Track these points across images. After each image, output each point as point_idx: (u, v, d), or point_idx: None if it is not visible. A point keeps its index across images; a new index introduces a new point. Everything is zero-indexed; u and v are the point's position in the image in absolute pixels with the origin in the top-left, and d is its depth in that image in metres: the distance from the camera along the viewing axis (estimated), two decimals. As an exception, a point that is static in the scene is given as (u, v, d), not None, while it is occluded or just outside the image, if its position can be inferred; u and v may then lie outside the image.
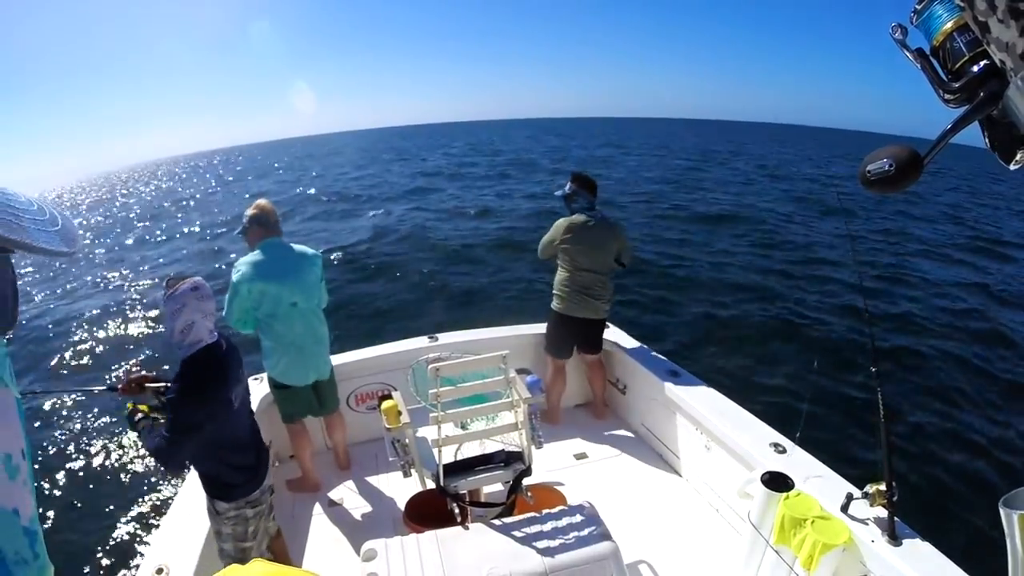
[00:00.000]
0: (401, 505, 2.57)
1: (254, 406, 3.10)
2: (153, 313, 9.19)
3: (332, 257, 10.86)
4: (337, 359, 3.46)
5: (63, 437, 5.52)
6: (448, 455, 2.11)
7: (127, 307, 9.89)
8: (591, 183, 3.48)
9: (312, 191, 23.30)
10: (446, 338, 3.68)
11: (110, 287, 11.68)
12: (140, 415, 2.03)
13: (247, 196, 21.71)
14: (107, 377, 6.61)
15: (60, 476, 4.92)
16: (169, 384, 2.03)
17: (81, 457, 5.17)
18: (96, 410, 5.89)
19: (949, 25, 0.66)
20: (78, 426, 5.73)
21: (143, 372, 2.21)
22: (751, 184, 21.82)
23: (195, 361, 1.93)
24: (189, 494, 2.45)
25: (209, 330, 1.98)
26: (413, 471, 2.19)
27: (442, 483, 2.05)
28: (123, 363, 7.22)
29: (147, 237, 17.49)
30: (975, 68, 0.65)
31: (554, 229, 3.50)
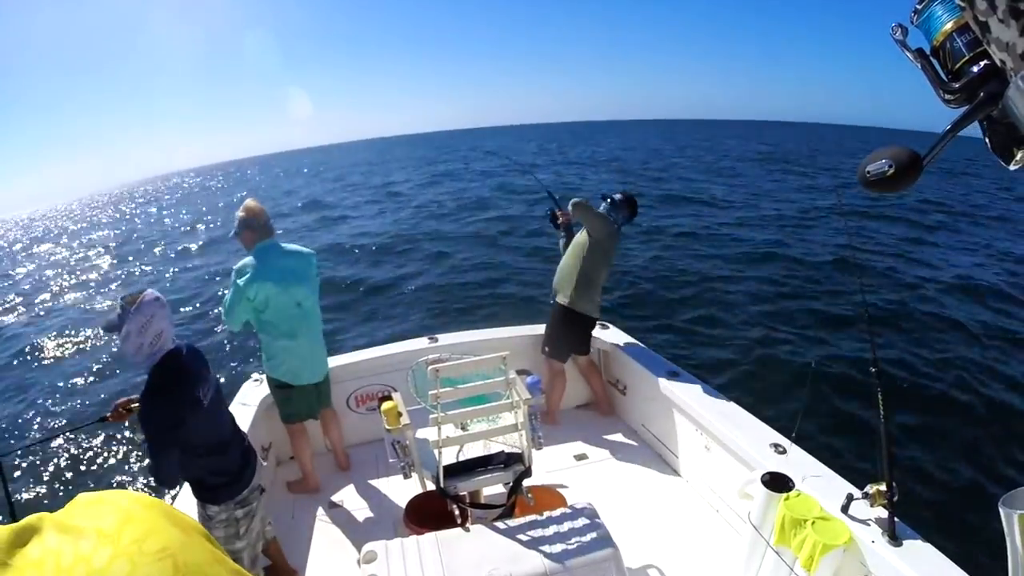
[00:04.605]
0: (401, 506, 2.56)
1: (254, 407, 3.10)
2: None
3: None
4: (337, 360, 3.45)
5: (60, 476, 5.48)
6: (448, 456, 2.11)
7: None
8: (635, 208, 3.65)
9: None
10: (446, 339, 3.68)
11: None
12: None
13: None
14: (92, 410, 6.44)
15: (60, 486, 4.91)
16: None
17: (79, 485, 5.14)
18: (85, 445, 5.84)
19: (949, 25, 0.66)
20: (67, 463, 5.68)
21: (128, 397, 2.25)
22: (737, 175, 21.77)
23: (161, 367, 1.93)
24: (189, 496, 2.45)
25: (172, 337, 1.99)
26: (413, 472, 2.18)
27: (442, 484, 2.05)
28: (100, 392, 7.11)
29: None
30: (975, 68, 0.65)
31: (604, 217, 3.52)
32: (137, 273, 14.29)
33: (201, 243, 17.01)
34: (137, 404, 2.15)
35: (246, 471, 2.17)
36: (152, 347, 1.91)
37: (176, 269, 13.84)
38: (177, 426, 1.91)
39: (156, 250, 17.32)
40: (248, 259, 2.83)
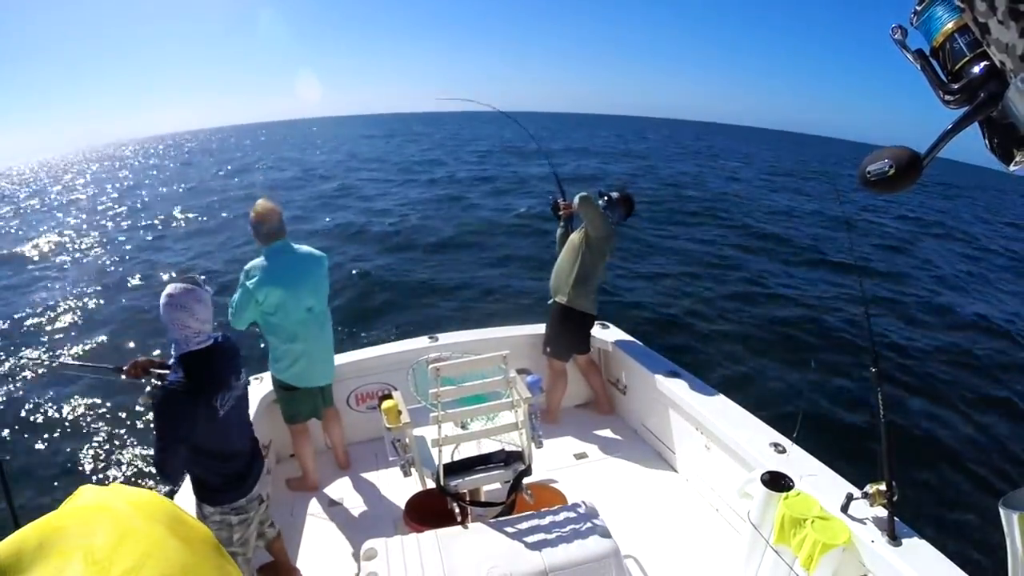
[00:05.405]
0: (401, 504, 2.57)
1: (254, 406, 3.09)
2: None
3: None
4: (338, 358, 3.46)
5: (64, 433, 5.52)
6: (448, 454, 2.12)
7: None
8: (632, 206, 3.61)
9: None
10: (446, 338, 3.69)
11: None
12: None
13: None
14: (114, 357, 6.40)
15: (52, 473, 4.91)
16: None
17: (81, 453, 5.16)
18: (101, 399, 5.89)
19: (949, 26, 0.66)
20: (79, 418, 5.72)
21: (148, 357, 2.21)
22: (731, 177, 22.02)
23: (189, 362, 1.91)
24: (189, 495, 2.45)
25: (213, 327, 1.98)
26: (413, 470, 2.19)
27: (442, 482, 2.05)
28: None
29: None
30: (975, 69, 0.64)
31: (605, 217, 3.45)
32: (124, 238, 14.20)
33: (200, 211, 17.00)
34: (157, 368, 2.13)
35: (248, 479, 2.16)
36: (196, 336, 1.93)
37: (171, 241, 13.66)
38: (185, 428, 1.90)
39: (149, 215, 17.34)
40: (257, 260, 2.79)
